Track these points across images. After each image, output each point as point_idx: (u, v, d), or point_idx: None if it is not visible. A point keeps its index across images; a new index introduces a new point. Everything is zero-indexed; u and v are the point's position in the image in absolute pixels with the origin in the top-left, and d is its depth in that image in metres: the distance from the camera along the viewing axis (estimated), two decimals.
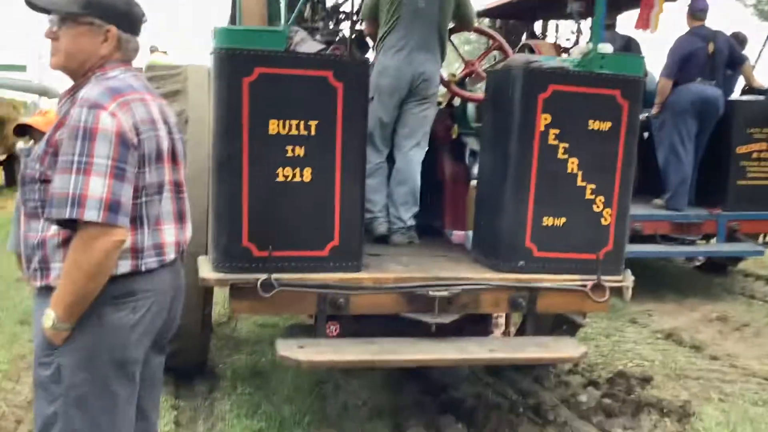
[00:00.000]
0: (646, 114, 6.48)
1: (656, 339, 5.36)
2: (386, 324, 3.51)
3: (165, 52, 12.19)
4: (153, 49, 11.94)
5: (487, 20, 9.40)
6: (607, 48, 3.76)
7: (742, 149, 6.35)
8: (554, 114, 3.43)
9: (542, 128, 3.45)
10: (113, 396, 1.93)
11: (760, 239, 6.80)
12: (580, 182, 3.53)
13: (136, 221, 1.93)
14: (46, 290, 1.91)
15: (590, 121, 3.49)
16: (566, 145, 3.48)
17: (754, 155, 6.37)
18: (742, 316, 5.98)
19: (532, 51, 6.89)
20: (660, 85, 6.48)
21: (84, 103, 1.85)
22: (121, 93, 1.90)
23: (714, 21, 7.26)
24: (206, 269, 3.30)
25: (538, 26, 9.50)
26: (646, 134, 6.71)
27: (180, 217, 2.11)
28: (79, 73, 2.01)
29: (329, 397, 4.00)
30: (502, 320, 4.13)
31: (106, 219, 1.77)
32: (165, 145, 2.02)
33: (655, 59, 6.90)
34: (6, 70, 18.20)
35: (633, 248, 5.85)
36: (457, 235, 4.42)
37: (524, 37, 9.08)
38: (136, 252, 1.94)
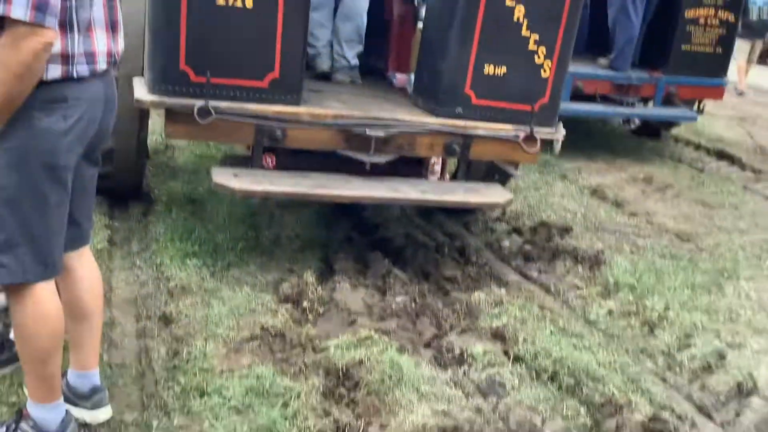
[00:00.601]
0: None
1: (582, 194, 5.59)
2: (322, 160, 3.58)
3: None
4: None
5: None
6: None
7: (690, 14, 6.35)
8: None
9: None
10: (44, 198, 1.95)
11: (696, 106, 6.97)
12: (524, 32, 3.54)
13: (65, 26, 1.87)
14: None
15: None
16: None
17: (701, 21, 6.39)
18: (666, 178, 6.24)
19: None
20: None
21: None
22: None
23: None
24: (141, 91, 3.25)
25: None
26: None
27: (112, 27, 2.06)
28: None
29: (262, 228, 4.10)
30: (437, 167, 4.24)
31: (34, 18, 1.72)
32: None
33: None
34: None
35: (572, 106, 5.99)
36: (399, 78, 4.42)
37: None
38: (66, 58, 1.90)
